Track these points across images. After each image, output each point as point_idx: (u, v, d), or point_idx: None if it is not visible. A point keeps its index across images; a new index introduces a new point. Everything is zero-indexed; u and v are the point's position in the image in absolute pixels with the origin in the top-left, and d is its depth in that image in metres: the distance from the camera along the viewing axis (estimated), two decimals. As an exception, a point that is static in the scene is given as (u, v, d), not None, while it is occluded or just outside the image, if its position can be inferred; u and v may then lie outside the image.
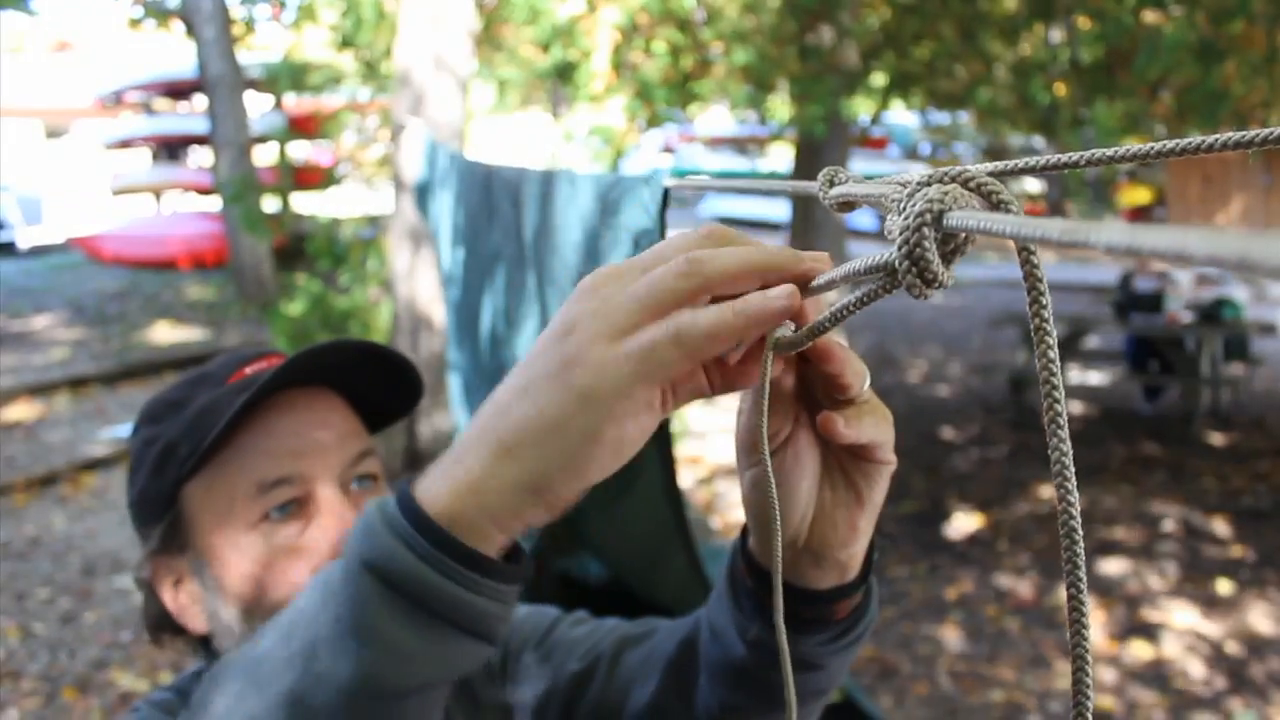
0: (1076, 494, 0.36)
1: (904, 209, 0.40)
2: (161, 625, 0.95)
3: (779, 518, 0.62)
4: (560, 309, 0.53)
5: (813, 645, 0.75)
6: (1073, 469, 0.36)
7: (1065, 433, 0.36)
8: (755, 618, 0.76)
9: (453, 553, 0.52)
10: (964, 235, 0.39)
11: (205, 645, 0.93)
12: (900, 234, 0.40)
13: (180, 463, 0.89)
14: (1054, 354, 0.36)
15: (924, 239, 0.39)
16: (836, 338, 0.57)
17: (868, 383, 0.64)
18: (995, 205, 0.39)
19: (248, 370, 0.94)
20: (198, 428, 0.88)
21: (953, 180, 0.40)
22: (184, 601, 0.93)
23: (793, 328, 0.54)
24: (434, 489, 0.53)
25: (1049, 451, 0.36)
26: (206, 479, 0.89)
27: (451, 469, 0.54)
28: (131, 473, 0.94)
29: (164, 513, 0.91)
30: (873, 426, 0.63)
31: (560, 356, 0.51)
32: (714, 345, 0.50)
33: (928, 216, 0.39)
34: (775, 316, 0.50)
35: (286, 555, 0.86)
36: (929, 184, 0.40)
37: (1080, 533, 0.37)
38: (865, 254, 0.46)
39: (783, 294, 0.50)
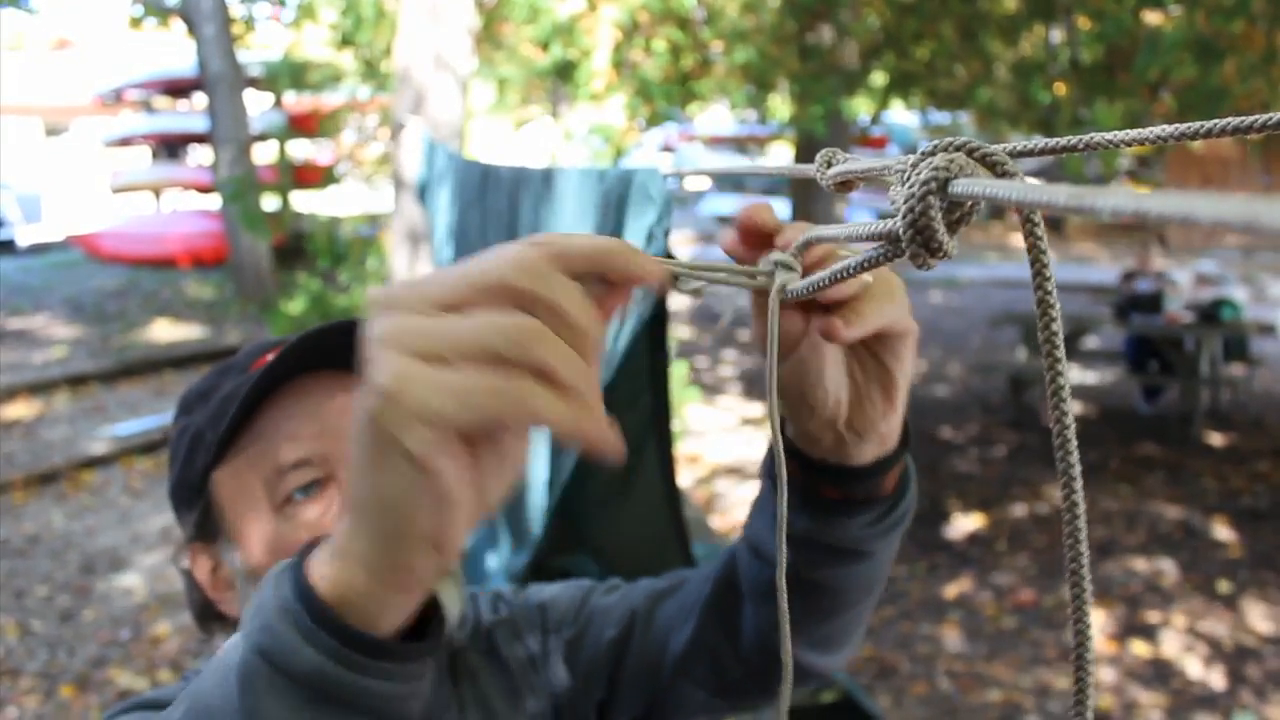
0: (1078, 467, 0.36)
1: (908, 178, 0.40)
2: (206, 614, 0.97)
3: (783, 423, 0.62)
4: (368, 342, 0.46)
5: (862, 528, 0.76)
6: (1075, 443, 0.36)
7: (1069, 405, 0.35)
8: (800, 510, 0.77)
9: (337, 633, 0.48)
10: (968, 204, 0.39)
11: None
12: (905, 202, 0.40)
13: (207, 450, 0.91)
14: (1057, 325, 0.36)
15: (930, 207, 0.39)
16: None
17: (868, 276, 0.63)
18: (999, 174, 0.39)
19: (269, 357, 0.95)
20: (221, 415, 0.91)
21: (957, 149, 0.39)
22: (221, 588, 0.95)
23: (796, 277, 0.55)
24: (324, 566, 0.49)
25: (1051, 425, 0.36)
26: (232, 465, 0.91)
27: (338, 539, 0.49)
28: (170, 464, 0.97)
29: (196, 501, 0.93)
30: (876, 311, 0.62)
31: (376, 431, 0.45)
32: (537, 424, 0.45)
33: (933, 184, 0.38)
34: (604, 443, 0.46)
35: (310, 536, 0.87)
36: (933, 153, 0.40)
37: (1083, 517, 0.36)
38: (866, 220, 0.46)
39: (614, 436, 0.46)
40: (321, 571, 0.49)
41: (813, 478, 0.76)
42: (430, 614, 0.55)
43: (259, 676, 0.49)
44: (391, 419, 0.42)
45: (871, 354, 0.68)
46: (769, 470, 0.79)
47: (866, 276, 0.61)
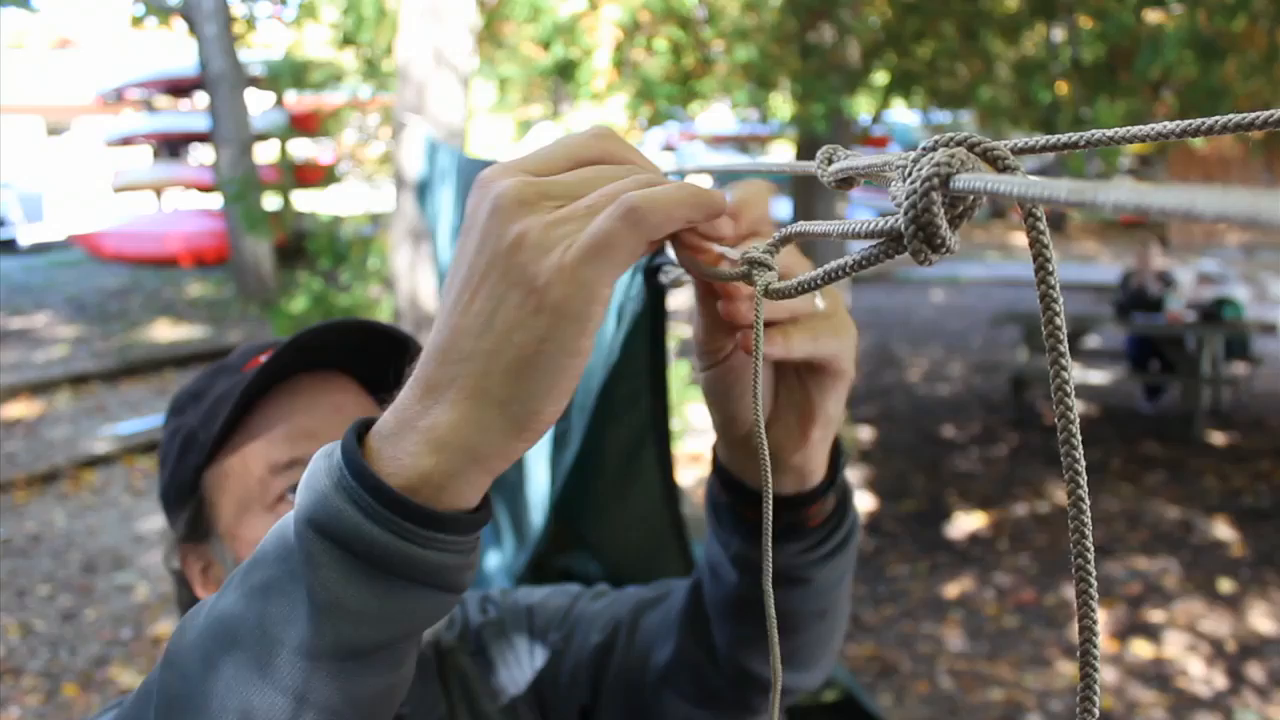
0: (1083, 461, 0.36)
1: (910, 174, 0.40)
2: None
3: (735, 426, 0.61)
4: (481, 215, 0.51)
5: (792, 555, 0.74)
6: (1079, 438, 0.36)
7: (1073, 400, 0.35)
8: (735, 531, 0.76)
9: (406, 513, 0.50)
10: (970, 199, 0.39)
11: None
12: (907, 198, 0.40)
13: (199, 450, 0.91)
14: (1061, 320, 0.36)
15: (932, 203, 0.39)
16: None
17: (820, 301, 0.63)
18: (1001, 169, 0.39)
19: (262, 358, 0.95)
20: (213, 415, 0.91)
21: (958, 144, 0.39)
22: (212, 587, 0.95)
23: (778, 276, 0.54)
24: (412, 450, 0.50)
25: (1055, 420, 0.36)
26: (224, 465, 0.91)
27: (416, 422, 0.51)
28: (160, 464, 0.97)
29: (188, 500, 0.93)
30: (808, 341, 0.62)
31: (524, 279, 0.49)
32: (668, 224, 0.50)
33: (935, 180, 0.38)
34: (720, 206, 0.53)
35: None
36: (935, 149, 0.40)
37: (1088, 514, 0.36)
38: (865, 217, 0.45)
39: (719, 195, 0.53)
40: (405, 460, 0.51)
41: (738, 500, 0.75)
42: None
43: (319, 551, 0.50)
44: (567, 315, 0.48)
45: (799, 383, 0.68)
46: (712, 496, 0.79)
47: (819, 301, 0.60)
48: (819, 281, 0.50)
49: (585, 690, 1.00)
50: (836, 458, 0.75)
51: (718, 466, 0.76)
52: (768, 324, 0.60)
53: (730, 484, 0.75)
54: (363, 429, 0.53)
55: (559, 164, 0.54)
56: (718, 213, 0.53)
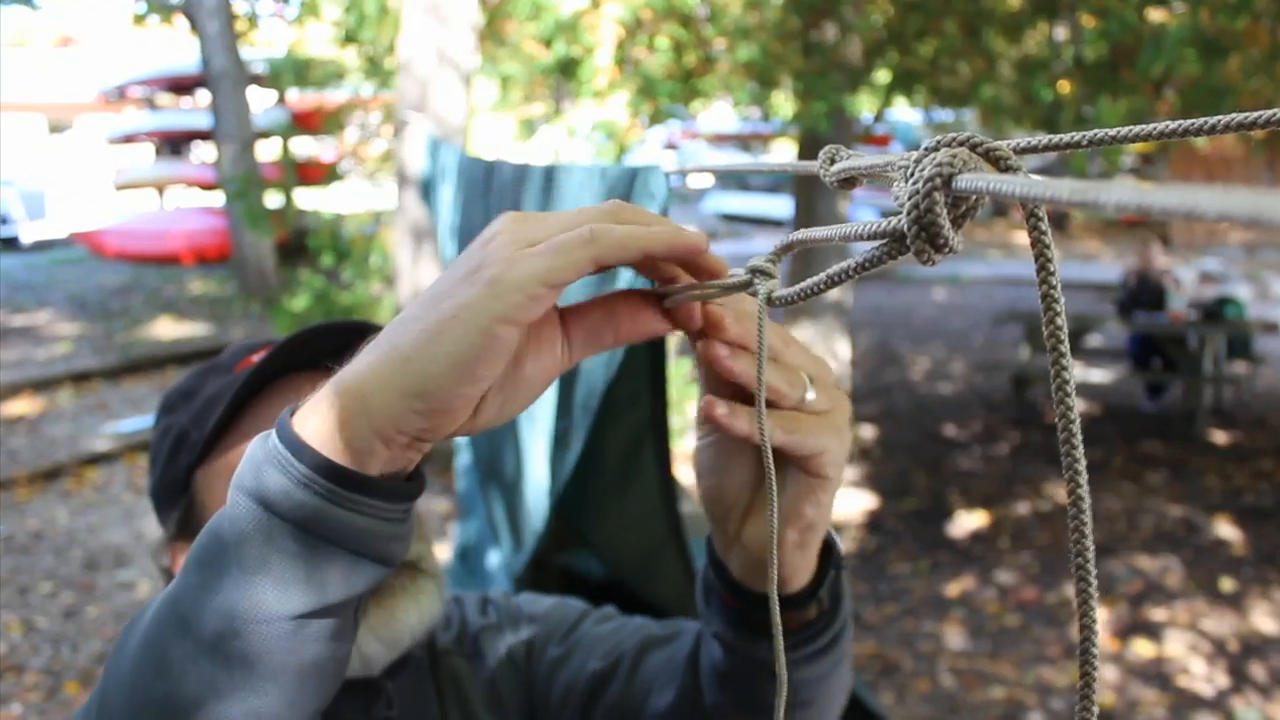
0: (1084, 461, 0.36)
1: (912, 174, 0.40)
2: None
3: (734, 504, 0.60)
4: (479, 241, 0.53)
5: (769, 651, 0.68)
6: (1080, 437, 0.36)
7: (1073, 399, 0.35)
8: (717, 614, 0.74)
9: (325, 472, 0.50)
10: (973, 199, 0.39)
11: None
12: (909, 198, 0.40)
13: (191, 449, 0.91)
14: (1062, 319, 0.36)
15: (935, 203, 0.39)
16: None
17: (810, 394, 0.60)
18: (1003, 169, 0.39)
19: (254, 358, 0.95)
20: (205, 415, 0.91)
21: (960, 144, 0.39)
22: None
23: (778, 283, 0.53)
24: (320, 406, 0.52)
25: (1056, 420, 0.36)
26: (215, 465, 0.91)
27: (340, 380, 0.52)
28: (151, 463, 0.97)
29: (179, 499, 0.93)
30: (783, 432, 0.59)
31: (475, 259, 0.51)
32: (622, 252, 0.51)
33: (938, 180, 0.38)
34: (686, 246, 0.53)
35: None
36: (937, 149, 0.40)
37: (1089, 512, 0.36)
38: (866, 219, 0.45)
39: (698, 237, 0.53)
40: (314, 409, 0.52)
41: (720, 582, 0.72)
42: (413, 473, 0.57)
43: (249, 517, 0.51)
44: (494, 288, 0.49)
45: (779, 480, 0.64)
46: (704, 573, 0.76)
47: (809, 394, 0.59)
48: (822, 286, 0.49)
49: (575, 714, 0.98)
50: (826, 562, 0.71)
51: (710, 548, 0.74)
52: (744, 403, 0.59)
53: (718, 566, 0.72)
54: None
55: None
56: (687, 251, 0.53)
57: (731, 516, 0.68)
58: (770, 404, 0.59)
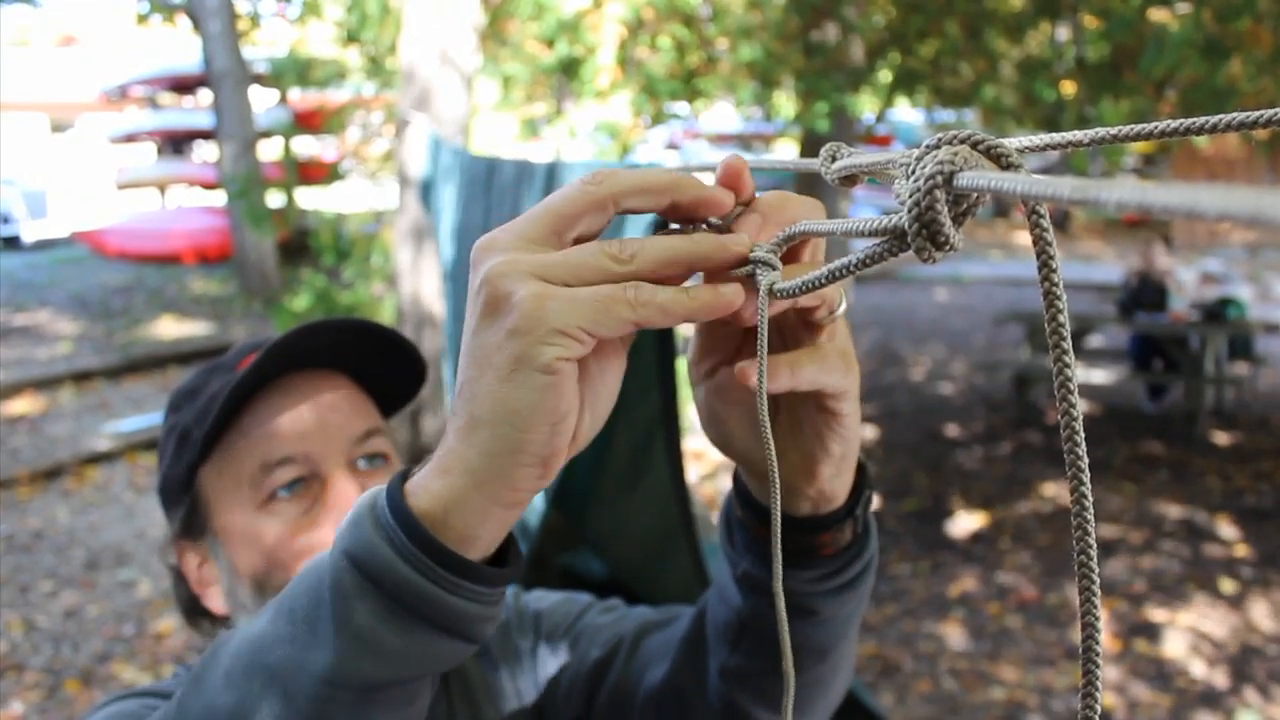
0: (1086, 460, 0.36)
1: (913, 172, 0.40)
2: (194, 609, 0.99)
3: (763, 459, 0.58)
4: (480, 284, 0.50)
5: (802, 582, 0.70)
6: (1082, 437, 0.36)
7: (1075, 399, 0.35)
8: (746, 552, 0.73)
9: (432, 552, 0.51)
10: (974, 197, 0.39)
11: (229, 626, 0.95)
12: (910, 196, 0.40)
13: (193, 447, 0.91)
14: (1064, 317, 0.36)
15: (936, 201, 0.39)
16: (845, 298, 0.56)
17: (842, 308, 0.60)
18: (1004, 167, 0.39)
19: (255, 357, 0.95)
20: (206, 413, 0.91)
21: (961, 142, 0.39)
22: (206, 584, 0.96)
23: (779, 275, 0.52)
24: (426, 482, 0.52)
25: (1058, 419, 0.36)
26: (217, 463, 0.91)
27: (442, 459, 0.52)
28: (159, 460, 0.98)
29: (183, 497, 0.94)
30: (818, 370, 0.59)
31: (504, 309, 0.49)
32: (663, 318, 0.50)
33: (939, 178, 0.38)
34: (725, 309, 0.51)
35: (294, 534, 0.88)
36: (938, 146, 0.40)
37: (1091, 512, 0.36)
38: (867, 215, 0.45)
39: (734, 291, 0.52)
40: (424, 487, 0.52)
41: (750, 516, 0.72)
42: (507, 545, 0.57)
43: (350, 584, 0.52)
44: (535, 333, 0.48)
45: (797, 417, 0.64)
46: (727, 512, 0.76)
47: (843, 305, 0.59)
48: (823, 280, 0.49)
49: (580, 703, 0.99)
50: (860, 489, 0.71)
51: (737, 482, 0.73)
52: (790, 344, 0.59)
53: (745, 499, 0.72)
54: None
55: (550, 227, 0.52)
56: (725, 309, 0.52)
57: (751, 454, 0.67)
58: (808, 310, 0.59)
